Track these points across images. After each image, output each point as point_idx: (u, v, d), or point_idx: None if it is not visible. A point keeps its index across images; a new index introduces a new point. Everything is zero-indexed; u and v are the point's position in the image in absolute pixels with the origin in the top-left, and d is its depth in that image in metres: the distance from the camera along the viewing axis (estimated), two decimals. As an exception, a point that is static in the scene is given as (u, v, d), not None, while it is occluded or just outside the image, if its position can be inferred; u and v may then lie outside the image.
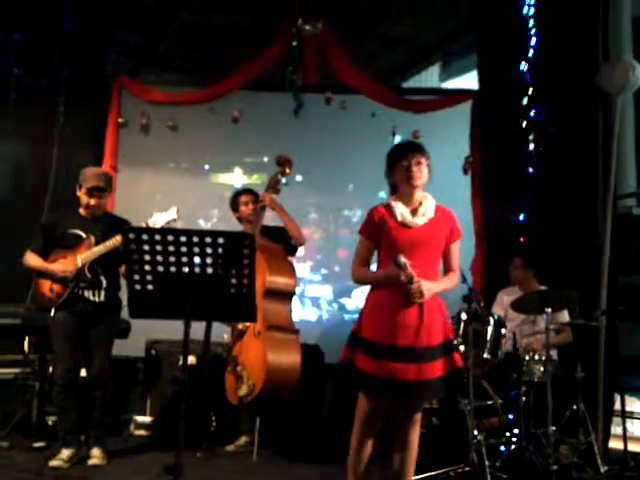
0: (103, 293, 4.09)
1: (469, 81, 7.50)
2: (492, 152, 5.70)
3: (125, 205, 5.48)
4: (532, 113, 5.34)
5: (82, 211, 4.17)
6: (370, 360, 2.84)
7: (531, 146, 5.32)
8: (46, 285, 4.06)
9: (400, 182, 3.00)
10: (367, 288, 3.10)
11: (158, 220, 3.91)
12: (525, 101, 5.40)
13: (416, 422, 2.92)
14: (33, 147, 5.75)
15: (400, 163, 2.99)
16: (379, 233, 2.99)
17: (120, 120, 6.03)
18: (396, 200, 3.02)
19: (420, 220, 2.97)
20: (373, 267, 3.16)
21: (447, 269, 3.03)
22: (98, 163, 5.86)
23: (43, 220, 4.34)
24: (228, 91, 6.08)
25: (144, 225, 3.93)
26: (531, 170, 5.31)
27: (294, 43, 6.03)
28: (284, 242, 4.64)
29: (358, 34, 7.32)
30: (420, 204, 3.00)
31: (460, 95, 6.14)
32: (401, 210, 2.98)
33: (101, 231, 4.08)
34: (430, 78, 8.83)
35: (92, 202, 4.10)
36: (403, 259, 2.79)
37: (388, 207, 3.02)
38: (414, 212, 2.99)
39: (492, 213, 5.63)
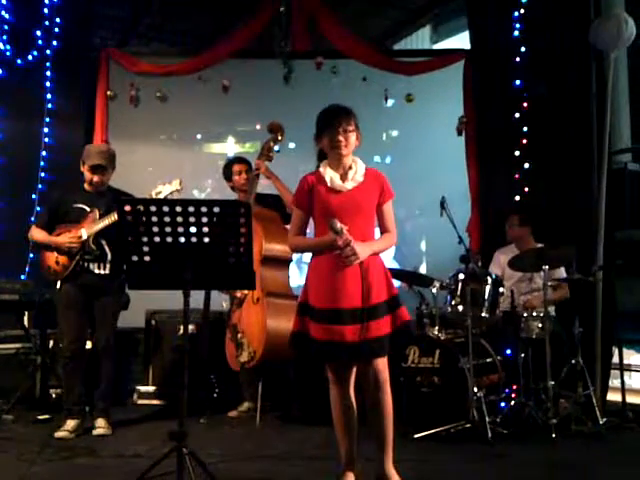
0: (108, 266, 4.14)
1: (460, 42, 7.43)
2: (486, 112, 5.67)
3: (117, 178, 5.44)
4: (525, 71, 5.30)
5: (86, 186, 4.22)
6: (321, 327, 2.87)
7: (525, 104, 5.29)
8: (52, 258, 4.12)
9: (328, 149, 2.99)
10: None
11: (163, 191, 3.92)
12: (517, 59, 5.36)
13: (382, 383, 2.91)
14: (22, 123, 5.69)
15: (327, 131, 2.97)
16: (309, 201, 2.99)
17: (109, 93, 5.98)
18: (325, 166, 3.02)
19: (349, 184, 2.96)
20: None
21: (382, 230, 3.03)
22: (88, 137, 5.84)
23: (49, 196, 4.35)
24: (217, 60, 6.01)
25: (148, 197, 3.95)
26: (525, 128, 5.29)
27: (282, 9, 5.95)
28: (279, 210, 4.63)
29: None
30: (350, 168, 3.00)
31: (452, 55, 6.07)
32: (331, 175, 2.98)
33: (105, 205, 4.12)
34: (421, 40, 8.74)
35: (95, 179, 4.16)
36: (339, 224, 2.80)
37: (317, 174, 3.03)
38: (344, 177, 2.98)
39: (487, 173, 5.63)
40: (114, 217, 3.97)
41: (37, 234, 4.19)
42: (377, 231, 3.07)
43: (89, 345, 4.27)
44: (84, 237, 4.06)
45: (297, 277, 5.82)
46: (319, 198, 2.97)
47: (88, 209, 4.14)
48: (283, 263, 4.47)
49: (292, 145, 6.22)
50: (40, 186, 5.51)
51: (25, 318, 4.92)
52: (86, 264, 4.11)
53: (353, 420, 3.01)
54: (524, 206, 5.12)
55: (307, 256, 6.08)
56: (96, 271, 4.13)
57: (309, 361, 3.02)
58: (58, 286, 4.13)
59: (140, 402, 5.06)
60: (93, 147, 4.46)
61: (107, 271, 4.14)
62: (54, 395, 4.76)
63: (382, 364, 2.92)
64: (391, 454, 2.95)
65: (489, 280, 4.33)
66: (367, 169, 3.02)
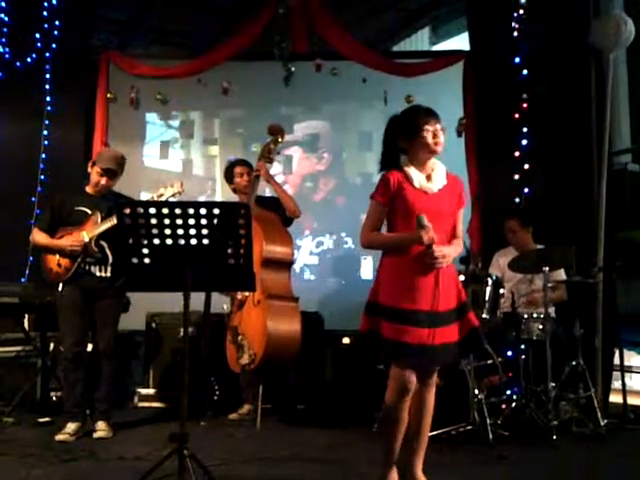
0: (109, 268, 4.15)
1: (459, 43, 7.43)
2: (485, 113, 5.67)
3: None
4: (524, 72, 5.30)
5: (89, 189, 4.22)
6: (395, 326, 2.81)
7: (524, 105, 5.29)
8: (54, 260, 4.12)
9: (418, 148, 2.90)
10: (370, 256, 3.06)
11: (165, 193, 3.93)
12: (517, 60, 5.36)
13: (433, 385, 2.96)
14: (22, 125, 5.70)
15: (424, 129, 2.87)
16: (394, 199, 2.91)
17: (109, 95, 5.99)
18: (409, 166, 2.94)
19: (435, 186, 2.92)
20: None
21: (453, 235, 3.01)
22: (88, 139, 5.85)
23: (50, 199, 4.35)
24: (217, 62, 6.02)
25: (152, 199, 3.95)
26: (525, 129, 5.29)
27: (281, 11, 5.95)
28: (279, 213, 4.63)
29: (346, -1, 7.24)
30: (432, 170, 2.96)
31: (451, 56, 6.07)
32: (417, 176, 2.92)
33: (107, 208, 4.11)
34: (420, 42, 8.74)
35: (102, 181, 4.17)
36: (426, 219, 2.77)
37: (403, 172, 2.93)
38: (428, 178, 2.94)
39: (487, 174, 5.62)
40: (115, 220, 3.97)
41: (39, 237, 4.18)
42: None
43: (90, 348, 4.27)
44: (85, 240, 4.06)
45: (298, 279, 5.83)
46: (406, 198, 2.88)
47: (90, 212, 4.13)
48: (284, 265, 4.46)
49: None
50: (39, 188, 5.51)
51: (25, 321, 4.91)
52: (88, 267, 4.11)
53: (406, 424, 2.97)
54: (523, 208, 5.11)
55: (308, 258, 6.15)
56: (97, 274, 4.13)
57: (378, 361, 2.91)
58: (60, 288, 4.13)
59: (141, 405, 5.05)
60: (108, 151, 4.53)
61: (108, 274, 4.15)
62: (55, 398, 4.75)
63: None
64: (422, 458, 2.97)
65: (489, 281, 4.31)
66: (447, 173, 2.99)
